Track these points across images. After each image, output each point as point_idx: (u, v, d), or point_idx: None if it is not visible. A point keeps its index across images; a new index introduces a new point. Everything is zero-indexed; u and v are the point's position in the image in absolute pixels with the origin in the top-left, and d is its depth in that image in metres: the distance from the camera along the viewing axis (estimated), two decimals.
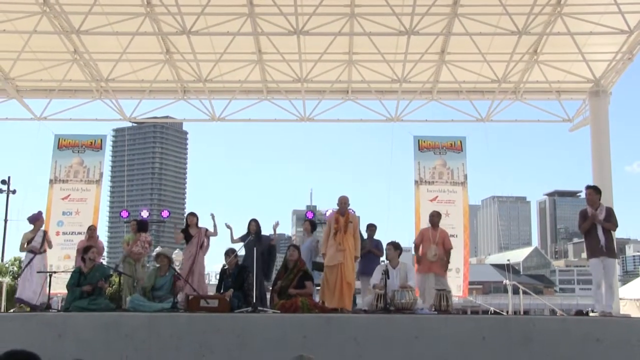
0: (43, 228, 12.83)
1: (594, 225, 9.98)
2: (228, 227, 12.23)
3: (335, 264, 10.70)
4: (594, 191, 10.26)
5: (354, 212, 12.67)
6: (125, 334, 8.17)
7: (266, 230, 12.07)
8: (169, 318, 8.58)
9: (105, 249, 14.86)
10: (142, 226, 12.78)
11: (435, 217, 12.04)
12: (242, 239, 11.92)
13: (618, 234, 10.82)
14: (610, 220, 10.05)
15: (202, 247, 12.04)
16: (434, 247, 11.63)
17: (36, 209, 12.96)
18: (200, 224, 12.23)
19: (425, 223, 16.17)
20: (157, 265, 10.58)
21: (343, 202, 11.17)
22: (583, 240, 10.51)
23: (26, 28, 14.16)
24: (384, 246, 11.72)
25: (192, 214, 12.35)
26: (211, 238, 12.22)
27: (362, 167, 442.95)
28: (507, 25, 13.67)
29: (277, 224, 12.02)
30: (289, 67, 16.02)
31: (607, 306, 9.98)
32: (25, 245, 12.28)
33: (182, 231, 12.19)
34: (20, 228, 40.93)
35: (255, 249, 10.65)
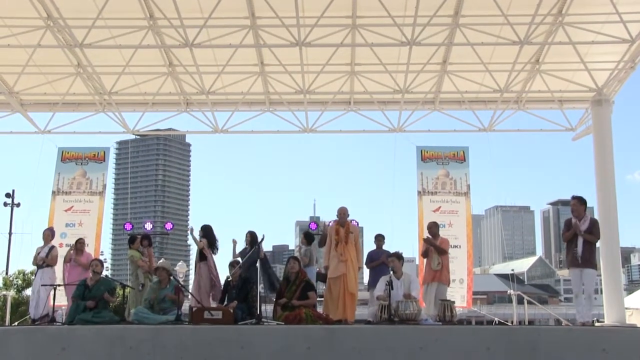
0: (51, 243, 12.88)
1: (575, 235, 10.05)
2: (234, 242, 12.26)
3: (339, 275, 10.70)
4: (579, 202, 10.33)
5: (357, 222, 12.67)
6: (130, 347, 8.17)
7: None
8: (173, 330, 8.58)
9: (109, 260, 14.86)
10: (151, 240, 12.92)
11: (433, 228, 12.05)
12: (242, 253, 11.93)
13: (622, 243, 10.82)
14: (592, 231, 10.09)
15: (205, 259, 12.01)
16: (436, 256, 11.67)
17: (40, 222, 13.12)
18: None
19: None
20: (158, 279, 10.60)
21: (342, 213, 11.17)
22: None
23: (30, 42, 14.22)
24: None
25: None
26: (217, 246, 12.21)
27: (365, 178, 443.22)
28: (509, 35, 13.69)
29: (262, 239, 11.91)
30: (291, 78, 16.06)
31: (586, 315, 10.03)
32: (36, 259, 12.42)
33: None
34: (24, 241, 40.94)
35: (257, 260, 10.70)
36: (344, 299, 10.58)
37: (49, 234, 13.00)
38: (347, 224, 11.10)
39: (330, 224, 11.65)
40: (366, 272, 13.19)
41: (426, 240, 11.95)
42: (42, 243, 12.77)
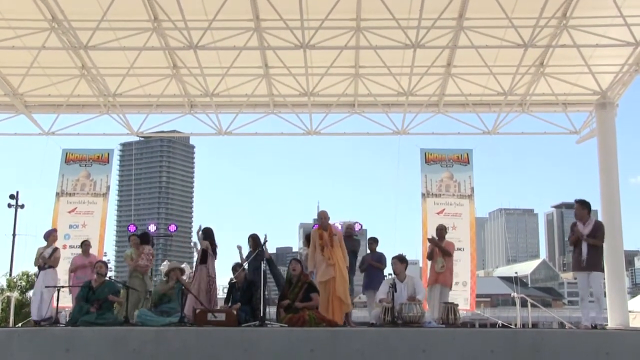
0: (54, 245, 12.87)
1: (579, 239, 10.10)
2: (239, 247, 12.24)
3: (328, 279, 10.66)
4: (581, 206, 10.38)
5: (361, 225, 12.70)
6: (133, 349, 8.17)
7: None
8: (176, 332, 8.58)
9: (112, 262, 14.88)
10: (145, 239, 12.83)
11: (442, 231, 12.12)
12: (247, 257, 11.93)
13: (626, 246, 10.84)
14: (596, 235, 10.12)
15: (206, 262, 11.96)
16: (440, 259, 11.71)
17: (44, 223, 13.13)
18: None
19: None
20: (165, 279, 10.62)
21: (323, 217, 11.15)
22: None
23: (35, 44, 14.26)
24: (389, 259, 11.80)
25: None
26: (217, 251, 12.17)
27: (368, 180, 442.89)
28: (513, 38, 13.69)
29: (265, 240, 11.84)
30: (295, 81, 16.07)
31: (597, 318, 10.14)
32: (38, 260, 12.38)
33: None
34: (28, 242, 40.93)
35: (261, 263, 10.70)
36: (332, 303, 10.54)
37: (56, 235, 12.97)
38: (330, 228, 11.06)
39: (340, 225, 11.66)
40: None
41: (431, 240, 12.04)
42: (43, 244, 12.72)
